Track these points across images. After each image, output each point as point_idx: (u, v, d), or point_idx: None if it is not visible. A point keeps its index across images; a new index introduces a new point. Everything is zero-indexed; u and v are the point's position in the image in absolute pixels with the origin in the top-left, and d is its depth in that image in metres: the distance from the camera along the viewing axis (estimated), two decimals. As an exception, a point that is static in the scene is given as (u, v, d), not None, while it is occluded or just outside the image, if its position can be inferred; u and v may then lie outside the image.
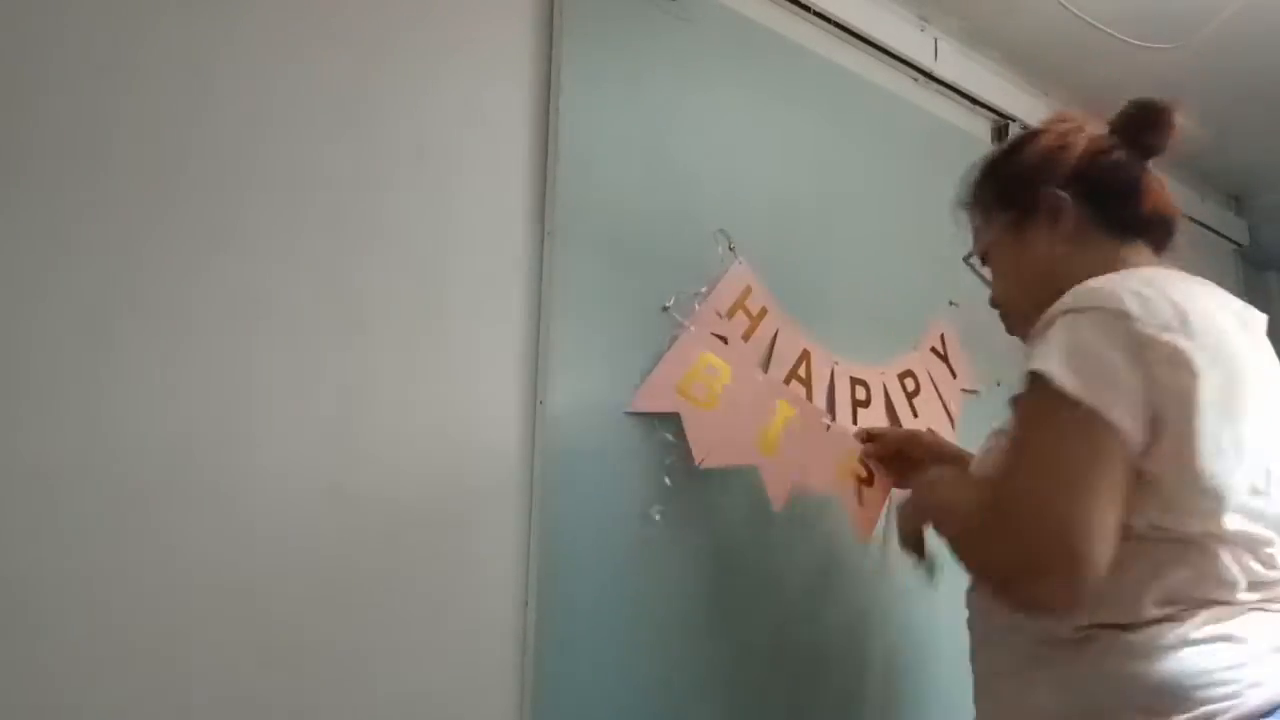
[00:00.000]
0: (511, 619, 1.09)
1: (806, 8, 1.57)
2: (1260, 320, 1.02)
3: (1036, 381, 0.90)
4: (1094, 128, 1.09)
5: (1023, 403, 0.93)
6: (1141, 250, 1.05)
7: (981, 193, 1.16)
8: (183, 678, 0.88)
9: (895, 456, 1.33)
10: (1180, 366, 0.87)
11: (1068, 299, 0.93)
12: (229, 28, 0.99)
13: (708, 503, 1.27)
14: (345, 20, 1.07)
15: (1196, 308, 0.91)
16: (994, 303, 1.16)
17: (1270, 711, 0.84)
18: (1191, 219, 2.14)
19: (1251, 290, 2.61)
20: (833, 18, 1.60)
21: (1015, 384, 0.94)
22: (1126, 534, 0.88)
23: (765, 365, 1.37)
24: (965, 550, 0.97)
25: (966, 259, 1.20)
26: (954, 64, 1.82)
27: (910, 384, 1.57)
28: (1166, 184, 1.09)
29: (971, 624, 1.05)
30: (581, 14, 1.24)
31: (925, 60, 1.77)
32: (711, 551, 1.27)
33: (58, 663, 0.82)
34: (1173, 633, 0.88)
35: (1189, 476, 0.87)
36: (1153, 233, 1.06)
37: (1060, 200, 1.05)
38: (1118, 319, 0.88)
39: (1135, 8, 1.76)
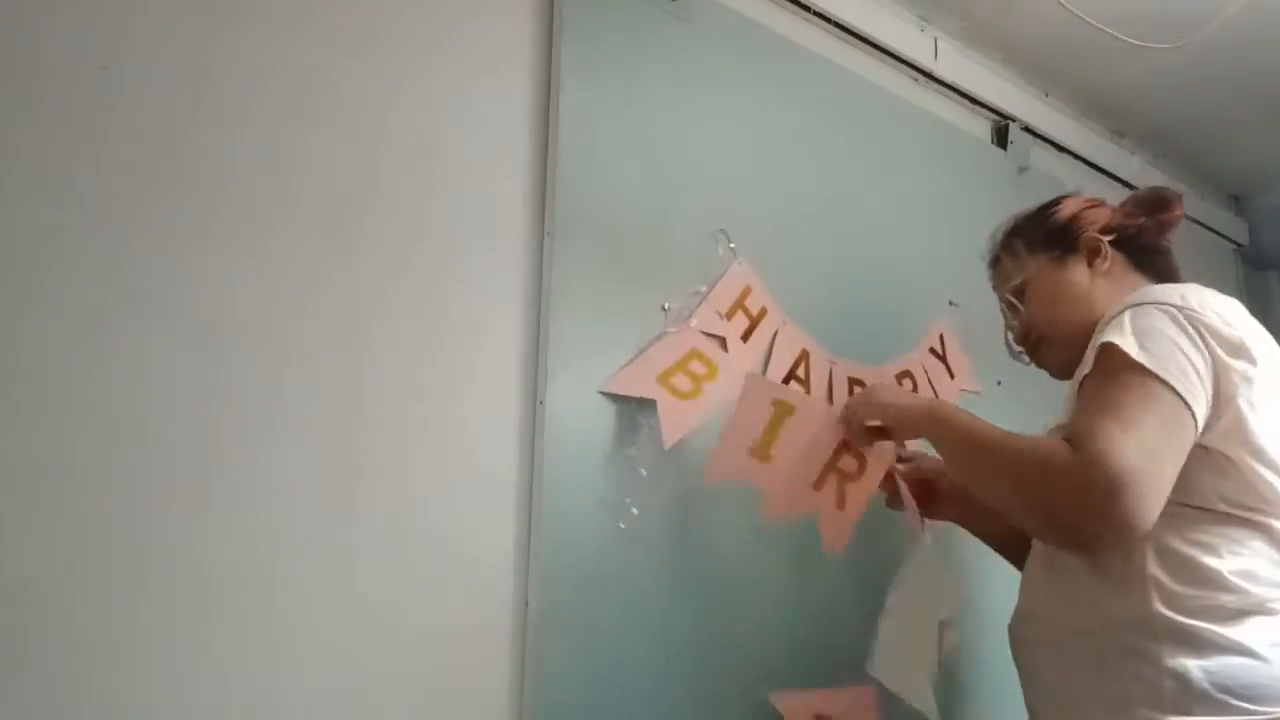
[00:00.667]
0: (512, 619, 1.09)
1: (806, 8, 1.57)
2: None
3: (1108, 351, 0.98)
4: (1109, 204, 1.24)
5: (1093, 374, 1.00)
6: (1149, 281, 1.16)
7: (1016, 240, 1.27)
8: (184, 676, 0.88)
9: (921, 485, 1.30)
10: (1241, 353, 0.97)
11: (1128, 300, 1.04)
12: (228, 29, 0.99)
13: (711, 500, 1.26)
14: (345, 21, 1.07)
15: (1239, 312, 1.04)
16: (1023, 337, 1.26)
17: None
18: (1191, 219, 2.15)
19: (1251, 290, 2.61)
20: (833, 18, 1.60)
21: (1017, 384, 0.95)
22: (1204, 512, 0.97)
23: (764, 365, 1.37)
24: (1009, 480, 1.00)
25: (1001, 291, 1.29)
26: (954, 64, 1.82)
27: (908, 384, 1.57)
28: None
29: (1029, 642, 1.11)
30: (581, 14, 1.24)
31: (925, 60, 1.77)
32: (712, 551, 1.27)
33: (60, 662, 0.82)
34: (1265, 630, 0.94)
35: (1254, 455, 0.97)
36: (1168, 278, 1.17)
37: (1099, 244, 1.19)
38: (1179, 310, 0.99)
39: (1135, 8, 1.76)
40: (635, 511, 1.19)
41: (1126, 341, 0.97)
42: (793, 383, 1.39)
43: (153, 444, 0.89)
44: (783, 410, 1.22)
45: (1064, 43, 1.86)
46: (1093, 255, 1.20)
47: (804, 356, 1.42)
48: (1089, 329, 1.08)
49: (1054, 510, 0.95)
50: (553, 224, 1.18)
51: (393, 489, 1.03)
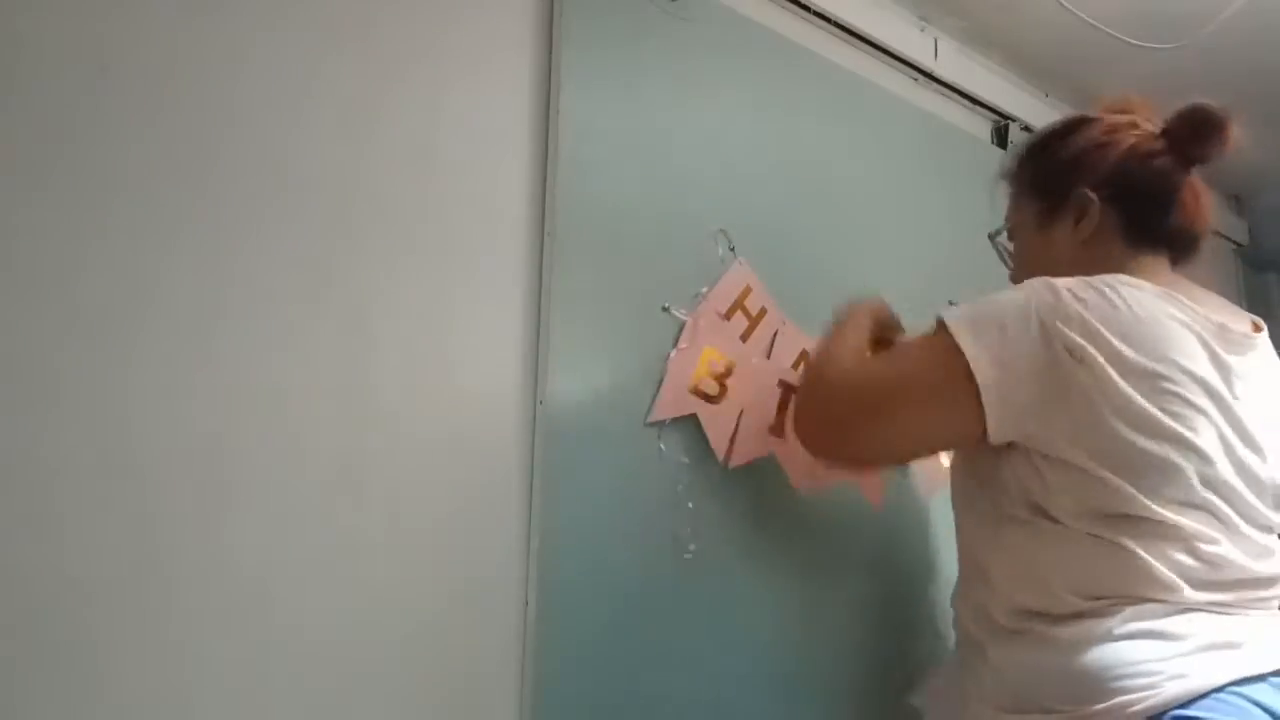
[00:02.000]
0: (511, 619, 1.09)
1: (806, 8, 1.57)
2: (1248, 338, 1.02)
3: (937, 322, 1.00)
4: (1148, 122, 1.08)
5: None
6: (1151, 263, 1.05)
7: (1022, 171, 1.16)
8: (186, 674, 0.88)
9: None
10: (1084, 359, 0.91)
11: (1026, 282, 0.98)
12: (228, 29, 0.98)
13: (722, 498, 1.26)
14: (344, 20, 1.07)
15: (1145, 311, 0.94)
16: (1013, 281, 1.18)
17: (1186, 703, 0.85)
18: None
19: (1251, 290, 2.61)
20: (833, 18, 1.60)
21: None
22: (1046, 518, 0.95)
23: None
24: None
25: (992, 236, 1.22)
26: (954, 64, 1.82)
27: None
28: (1206, 196, 1.08)
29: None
30: (581, 14, 1.24)
31: (925, 60, 1.76)
32: (712, 550, 1.27)
33: (64, 661, 0.82)
34: (1098, 627, 0.90)
35: (1092, 463, 0.92)
36: (1174, 245, 1.06)
37: (1088, 203, 1.06)
38: (1034, 303, 0.94)
39: (1135, 8, 1.76)
40: (635, 512, 1.19)
41: (956, 314, 0.98)
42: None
43: (150, 443, 0.89)
44: (715, 356, 1.27)
45: (1064, 43, 1.86)
46: (1079, 216, 1.07)
47: (804, 357, 1.42)
48: None
49: (797, 409, 1.15)
50: (553, 224, 1.17)
51: (392, 489, 1.03)
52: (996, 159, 1.88)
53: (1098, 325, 0.92)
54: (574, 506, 1.14)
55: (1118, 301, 0.94)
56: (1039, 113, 2.01)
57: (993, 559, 1.01)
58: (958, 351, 0.94)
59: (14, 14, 0.86)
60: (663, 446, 1.22)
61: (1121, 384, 0.91)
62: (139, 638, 0.86)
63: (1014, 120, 1.94)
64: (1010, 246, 1.20)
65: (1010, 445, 0.97)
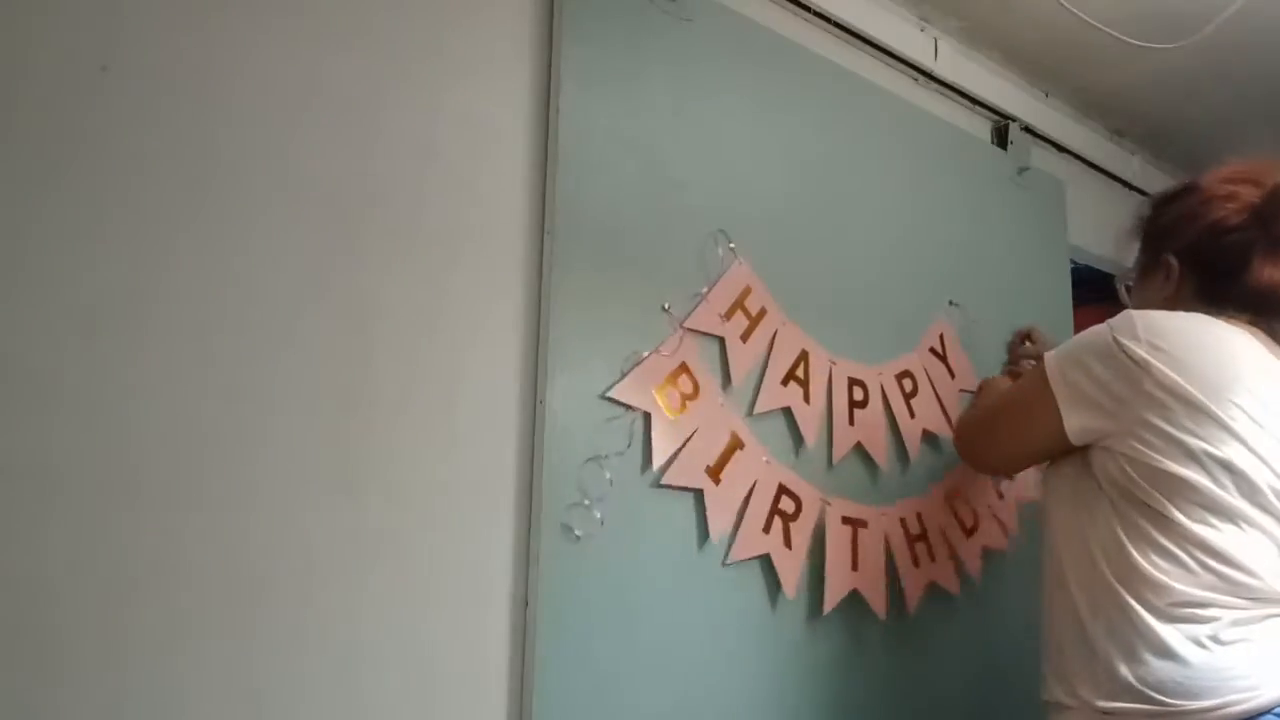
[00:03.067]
0: (511, 618, 1.09)
1: (806, 8, 1.56)
2: None
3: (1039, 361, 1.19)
4: (1255, 191, 1.17)
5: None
6: (1233, 318, 1.13)
7: (1139, 226, 1.29)
8: (186, 673, 0.88)
9: None
10: (1148, 369, 1.04)
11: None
12: (227, 29, 0.98)
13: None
14: (345, 20, 1.07)
15: (1211, 331, 1.08)
16: None
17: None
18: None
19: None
20: (833, 18, 1.60)
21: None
22: (1143, 512, 1.04)
23: (764, 366, 1.37)
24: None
25: (1117, 279, 1.35)
26: (954, 64, 1.82)
27: (908, 384, 1.57)
28: None
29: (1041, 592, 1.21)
30: (581, 14, 1.24)
31: (925, 60, 1.76)
32: (710, 550, 1.27)
33: (61, 660, 0.82)
34: (1202, 629, 1.00)
35: (1165, 468, 1.03)
36: (1249, 305, 1.15)
37: (1170, 269, 1.20)
38: (1112, 330, 1.08)
39: (1135, 8, 1.76)
40: (634, 513, 1.19)
41: (1052, 356, 1.15)
42: (792, 383, 1.39)
43: (150, 443, 0.89)
44: (734, 443, 1.30)
45: (1064, 43, 1.86)
46: (1166, 276, 1.20)
47: (804, 357, 1.42)
48: None
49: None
50: (553, 224, 1.18)
51: (392, 489, 1.03)
52: (997, 159, 1.89)
53: (1158, 341, 1.05)
54: (575, 506, 1.14)
55: (1188, 319, 1.09)
56: (1039, 113, 2.01)
57: (1094, 536, 1.08)
58: (1045, 380, 1.13)
59: (15, 14, 0.86)
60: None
61: (1188, 387, 1.03)
62: (139, 637, 0.86)
63: (1014, 120, 1.94)
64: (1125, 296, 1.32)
65: (1099, 446, 1.09)
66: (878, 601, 1.42)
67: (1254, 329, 1.12)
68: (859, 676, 1.41)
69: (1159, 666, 0.99)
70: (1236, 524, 1.02)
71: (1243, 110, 2.09)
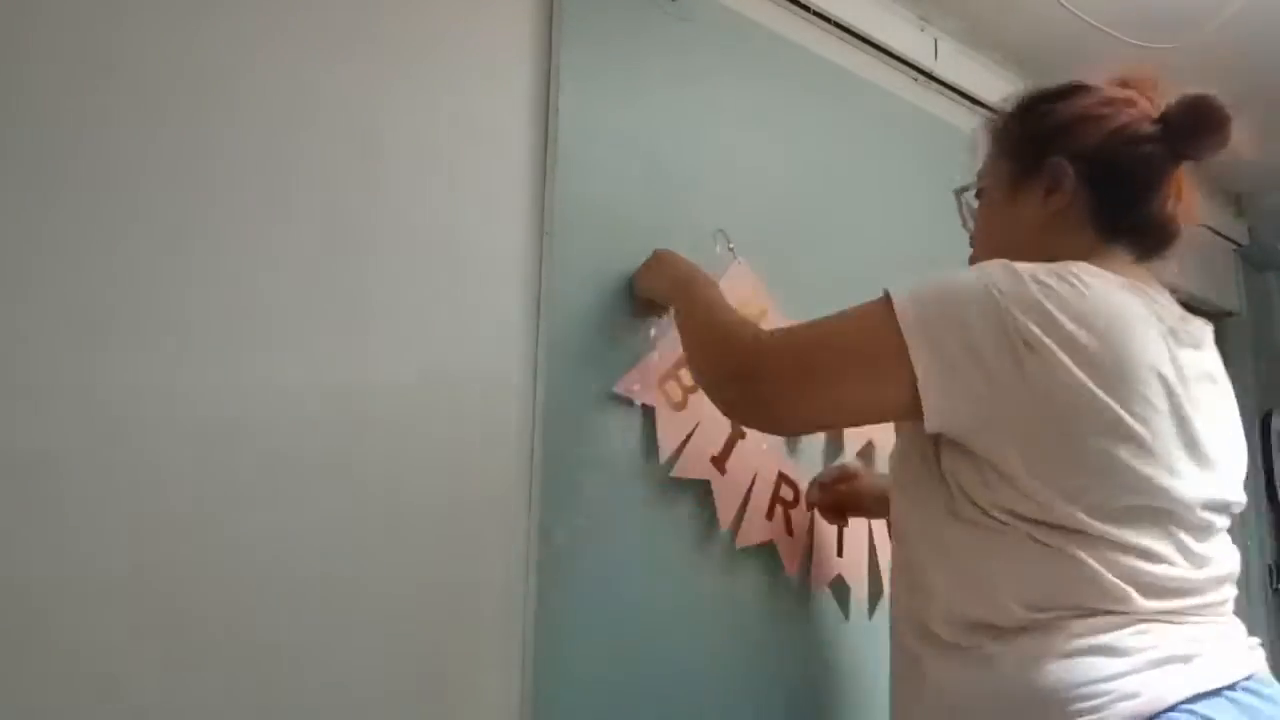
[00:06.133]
0: (513, 619, 1.09)
1: (806, 8, 1.56)
2: (1203, 333, 0.98)
3: (883, 297, 0.92)
4: (1149, 102, 1.00)
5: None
6: (1116, 253, 0.98)
7: (1004, 128, 1.09)
8: (185, 672, 0.88)
9: (840, 496, 1.34)
10: (1040, 350, 0.84)
11: (984, 263, 0.92)
12: (227, 29, 0.98)
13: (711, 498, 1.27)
14: (344, 20, 1.07)
15: (1109, 302, 0.88)
16: (971, 241, 1.15)
17: None
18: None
19: (1251, 290, 2.61)
20: (833, 18, 1.60)
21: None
22: (988, 518, 0.88)
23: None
24: (697, 343, 1.08)
25: (958, 192, 1.16)
26: (954, 64, 1.82)
27: (910, 384, 1.57)
28: (1191, 194, 1.02)
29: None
30: (581, 14, 1.24)
31: (925, 60, 1.76)
32: (711, 549, 1.27)
33: (66, 660, 0.82)
34: (1045, 643, 0.85)
35: (1042, 467, 0.86)
36: (1143, 239, 0.99)
37: (1063, 176, 0.98)
38: (992, 289, 0.87)
39: (1135, 8, 1.76)
40: (635, 511, 1.19)
41: (904, 291, 0.90)
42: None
43: (149, 443, 0.89)
44: (736, 433, 1.29)
45: (1064, 43, 1.86)
46: (1051, 188, 0.99)
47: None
48: None
49: (709, 372, 1.04)
50: (553, 224, 1.18)
51: (392, 487, 1.03)
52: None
53: (1057, 313, 0.85)
54: (574, 505, 1.14)
55: (1082, 289, 0.87)
56: (1039, 113, 2.01)
57: (934, 563, 0.93)
58: (896, 332, 0.87)
59: (17, 15, 0.86)
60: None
61: (1080, 375, 0.84)
62: (138, 636, 0.86)
63: (1014, 120, 1.93)
64: (974, 206, 1.12)
65: (948, 440, 0.91)
66: (859, 591, 1.42)
67: (1138, 286, 0.93)
68: (843, 660, 1.41)
69: (991, 690, 0.86)
70: (1115, 525, 0.86)
71: (1243, 110, 2.09)
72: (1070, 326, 0.85)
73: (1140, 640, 0.84)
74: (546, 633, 1.09)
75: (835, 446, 1.45)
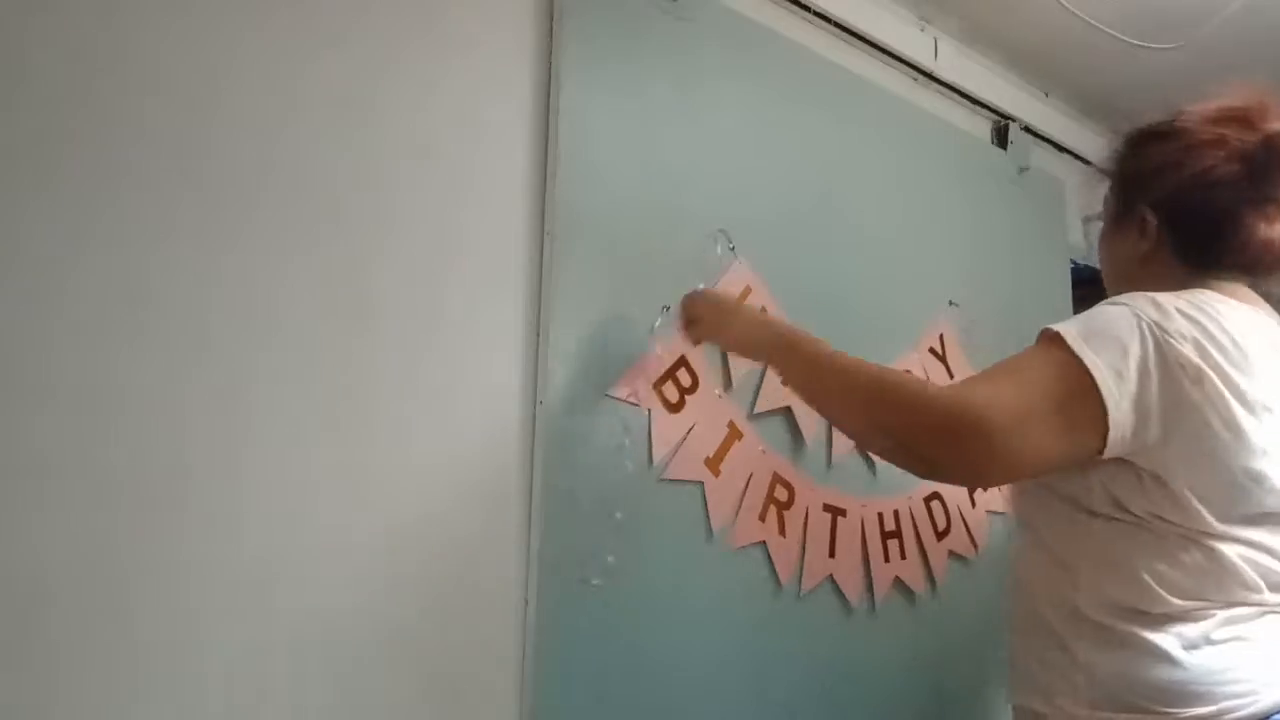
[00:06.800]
0: (511, 619, 1.09)
1: (806, 8, 1.56)
2: None
3: (1044, 335, 0.95)
4: (1245, 133, 1.01)
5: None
6: (1223, 283, 1.01)
7: (1112, 164, 1.13)
8: (187, 672, 0.88)
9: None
10: (1200, 379, 0.90)
11: (1122, 297, 0.97)
12: (234, 32, 0.98)
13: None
14: (347, 23, 1.07)
15: (1234, 331, 0.93)
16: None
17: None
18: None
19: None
20: (833, 18, 1.60)
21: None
22: (1124, 516, 0.95)
23: (765, 366, 1.37)
24: (860, 402, 1.01)
25: (1085, 220, 1.25)
26: (954, 64, 1.82)
27: (910, 384, 1.57)
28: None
29: (1008, 615, 1.10)
30: (581, 14, 1.24)
31: (925, 60, 1.76)
32: (709, 550, 1.27)
33: (66, 660, 0.82)
34: (1195, 632, 0.92)
35: (1197, 484, 0.92)
36: (1246, 267, 1.02)
37: (1146, 225, 1.04)
38: (1144, 320, 0.92)
39: (1135, 8, 1.76)
40: (634, 511, 1.19)
41: (1069, 328, 0.92)
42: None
43: (147, 444, 0.89)
44: (733, 434, 1.29)
45: (1064, 43, 1.86)
46: (1140, 231, 1.05)
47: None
48: None
49: (900, 434, 0.96)
50: (553, 224, 1.17)
51: (392, 488, 1.03)
52: (997, 159, 1.89)
53: (1207, 344, 0.91)
54: (574, 505, 1.14)
55: (1223, 322, 0.93)
56: (1039, 113, 2.01)
57: (1082, 555, 0.98)
58: (1080, 366, 0.89)
59: (11, 14, 0.86)
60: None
61: (1233, 403, 0.90)
62: (139, 637, 0.86)
63: (1014, 120, 1.94)
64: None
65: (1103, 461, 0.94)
66: (852, 590, 1.42)
67: (1255, 303, 1.00)
68: (835, 662, 1.41)
69: (1147, 671, 0.91)
70: (1245, 528, 0.93)
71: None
72: (1218, 356, 0.91)
73: (1265, 632, 0.93)
74: (547, 632, 1.09)
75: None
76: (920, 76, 1.78)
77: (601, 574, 1.15)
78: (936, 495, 1.58)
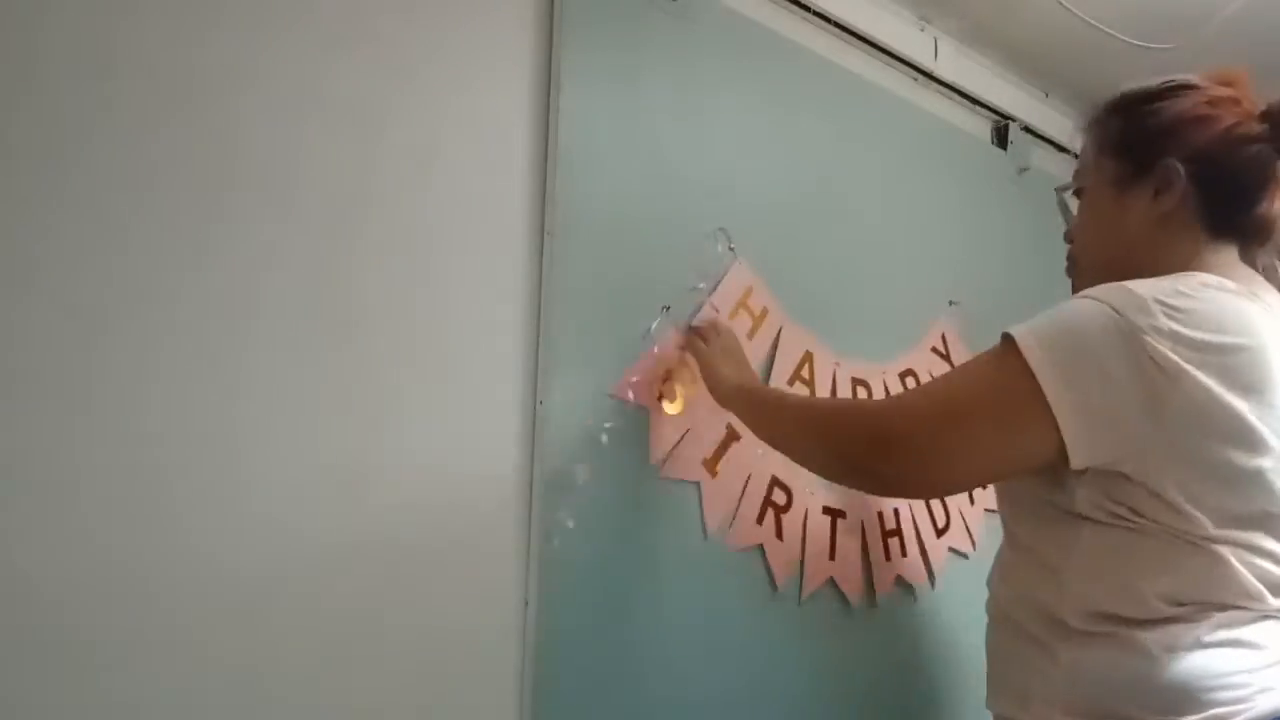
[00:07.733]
0: (511, 619, 1.09)
1: (806, 8, 1.56)
2: None
3: (1002, 337, 0.91)
4: (1251, 101, 0.99)
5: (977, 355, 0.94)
6: (1224, 252, 0.99)
7: (1106, 128, 1.06)
8: (188, 674, 0.88)
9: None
10: (1179, 377, 0.84)
11: (1098, 290, 0.90)
12: (227, 29, 0.98)
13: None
14: (344, 20, 1.07)
15: (1238, 319, 0.89)
16: (1068, 239, 1.13)
17: (1278, 716, 0.84)
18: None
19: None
20: (833, 18, 1.60)
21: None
22: (1114, 521, 0.90)
23: (769, 366, 1.37)
24: (812, 432, 1.02)
25: (1060, 190, 1.17)
26: (954, 64, 1.82)
27: (911, 383, 1.57)
28: None
29: (987, 615, 1.06)
30: (581, 14, 1.24)
31: (925, 60, 1.76)
32: (707, 551, 1.27)
33: (67, 660, 0.82)
34: (1186, 634, 0.87)
35: (1187, 485, 0.87)
36: (1247, 235, 0.99)
37: (1174, 177, 0.98)
38: (1117, 317, 0.86)
39: (1135, 8, 1.76)
40: (634, 510, 1.19)
41: (1030, 336, 0.88)
42: (797, 384, 1.39)
43: (149, 446, 0.89)
44: (731, 435, 1.30)
45: (1064, 43, 1.86)
46: (1161, 188, 0.99)
47: (808, 358, 1.42)
48: (1117, 277, 0.92)
49: (846, 451, 0.96)
50: (553, 224, 1.17)
51: (392, 488, 1.03)
52: (996, 159, 1.89)
53: (1188, 335, 0.85)
54: (574, 505, 1.13)
55: (1206, 306, 0.88)
56: (1039, 113, 2.01)
57: (1066, 559, 0.93)
58: (1029, 375, 0.86)
59: (20, 17, 0.86)
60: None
61: (1226, 397, 0.85)
62: (141, 638, 0.86)
63: (1014, 120, 1.94)
64: (1072, 203, 1.12)
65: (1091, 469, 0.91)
66: (853, 591, 1.42)
67: (1254, 292, 0.94)
68: (835, 662, 1.41)
69: (1131, 673, 0.87)
70: (1242, 530, 0.89)
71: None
72: (1202, 349, 0.85)
73: (1270, 636, 0.88)
74: (547, 632, 1.09)
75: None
76: (920, 77, 1.78)
77: (602, 574, 1.15)
78: (911, 373, 1.58)
